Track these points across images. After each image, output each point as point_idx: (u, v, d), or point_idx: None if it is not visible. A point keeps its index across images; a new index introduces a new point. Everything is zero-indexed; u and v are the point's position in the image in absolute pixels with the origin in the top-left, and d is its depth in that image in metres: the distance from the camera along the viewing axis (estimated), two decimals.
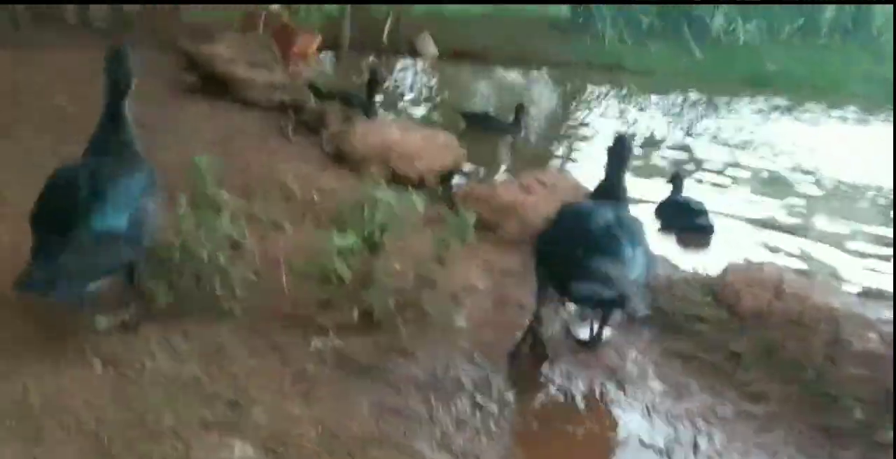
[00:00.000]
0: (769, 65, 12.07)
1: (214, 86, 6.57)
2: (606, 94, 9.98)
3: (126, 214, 2.37)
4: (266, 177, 4.30)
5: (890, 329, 2.61)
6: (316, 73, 8.30)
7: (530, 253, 2.89)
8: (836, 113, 9.84)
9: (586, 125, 8.12)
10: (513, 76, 11.46)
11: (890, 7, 11.73)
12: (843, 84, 11.43)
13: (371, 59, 10.79)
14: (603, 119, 8.55)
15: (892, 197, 5.97)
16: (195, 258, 2.72)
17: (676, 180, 5.23)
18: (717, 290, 3.14)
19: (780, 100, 10.23)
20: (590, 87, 10.43)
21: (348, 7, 10.71)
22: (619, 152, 2.83)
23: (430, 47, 11.96)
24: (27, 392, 2.20)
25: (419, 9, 12.94)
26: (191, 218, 2.77)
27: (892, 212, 5.68)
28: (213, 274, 2.73)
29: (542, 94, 10.38)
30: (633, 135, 6.91)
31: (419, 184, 4.71)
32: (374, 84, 6.79)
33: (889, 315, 2.71)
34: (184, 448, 2.03)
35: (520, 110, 6.72)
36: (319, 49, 10.63)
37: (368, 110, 6.46)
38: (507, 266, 3.70)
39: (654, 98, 9.87)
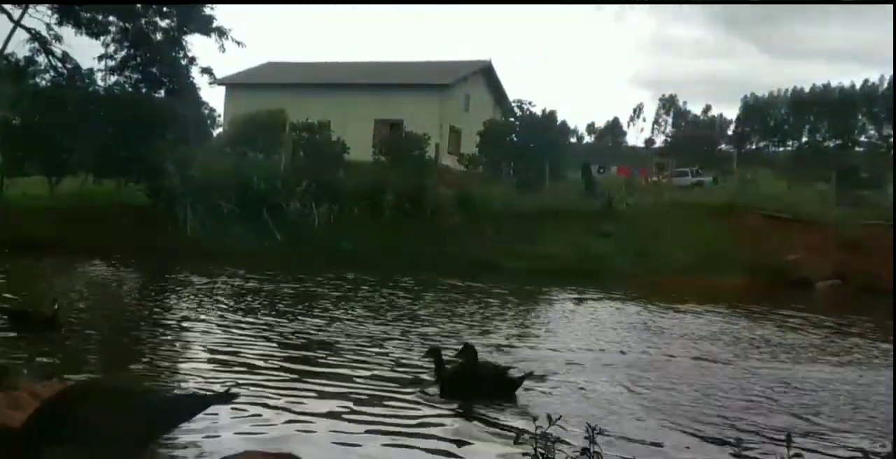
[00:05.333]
0: (344, 243, 13.41)
1: None
2: (184, 282, 9.99)
3: None
4: None
5: None
6: None
7: None
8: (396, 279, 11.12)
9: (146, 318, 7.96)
10: (90, 267, 10.92)
11: None
12: (406, 257, 13.13)
13: None
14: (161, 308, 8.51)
15: None
16: None
17: None
18: None
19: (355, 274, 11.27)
20: (169, 273, 10.40)
21: None
22: None
23: None
24: None
25: None
26: None
27: None
28: None
29: (116, 285, 10.01)
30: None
31: None
32: None
33: None
34: None
35: (57, 307, 6.31)
36: None
37: None
38: None
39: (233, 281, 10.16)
